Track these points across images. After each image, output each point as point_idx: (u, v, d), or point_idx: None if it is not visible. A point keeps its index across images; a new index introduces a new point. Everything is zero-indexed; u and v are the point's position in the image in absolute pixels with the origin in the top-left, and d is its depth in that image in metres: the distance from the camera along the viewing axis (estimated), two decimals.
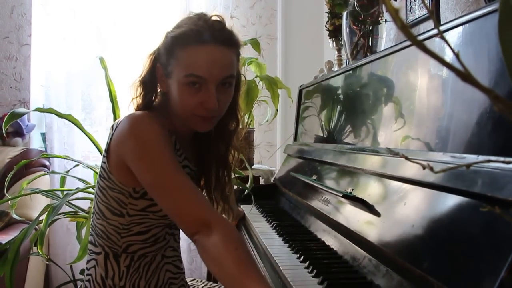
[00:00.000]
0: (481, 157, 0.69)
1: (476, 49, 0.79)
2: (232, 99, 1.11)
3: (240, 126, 1.20)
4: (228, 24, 1.06)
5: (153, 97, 1.13)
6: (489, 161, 0.61)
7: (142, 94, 1.12)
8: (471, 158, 0.72)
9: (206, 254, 0.90)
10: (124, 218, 1.07)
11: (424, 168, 0.45)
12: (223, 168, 1.21)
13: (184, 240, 2.50)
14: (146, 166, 0.98)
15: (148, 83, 1.11)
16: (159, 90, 1.13)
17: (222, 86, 1.03)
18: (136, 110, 1.13)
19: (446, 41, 0.37)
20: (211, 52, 1.00)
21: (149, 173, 0.98)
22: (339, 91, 1.57)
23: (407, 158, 0.49)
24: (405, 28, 0.31)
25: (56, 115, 2.00)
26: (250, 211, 1.69)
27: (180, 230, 1.10)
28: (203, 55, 1.00)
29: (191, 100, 1.02)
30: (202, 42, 1.00)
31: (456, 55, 0.36)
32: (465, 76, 0.35)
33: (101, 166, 1.09)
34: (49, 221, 1.64)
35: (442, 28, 0.87)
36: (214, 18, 1.04)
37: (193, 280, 1.42)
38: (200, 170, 1.22)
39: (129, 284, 1.10)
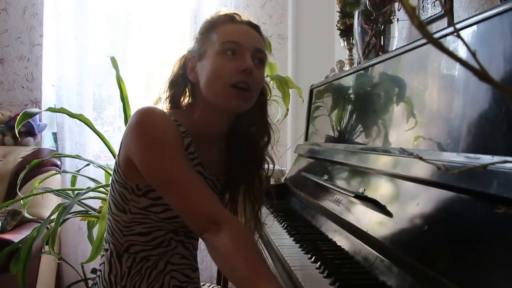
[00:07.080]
0: (497, 158, 0.68)
1: (491, 48, 0.78)
2: (261, 113, 1.14)
3: (272, 139, 1.20)
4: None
5: (183, 95, 1.13)
6: (505, 161, 0.60)
7: (172, 91, 1.13)
8: (486, 158, 0.71)
9: (216, 253, 0.89)
10: (126, 215, 1.05)
11: (439, 168, 0.45)
12: (254, 182, 1.18)
13: None
14: (151, 160, 0.96)
15: (179, 79, 1.12)
16: (187, 91, 1.13)
17: (255, 61, 1.05)
18: (167, 108, 1.13)
19: (462, 40, 0.36)
20: (243, 27, 1.08)
21: (155, 167, 0.95)
22: (350, 91, 1.56)
23: (421, 159, 0.49)
24: (422, 26, 0.30)
25: (68, 114, 2.03)
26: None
27: (199, 239, 1.07)
28: (236, 28, 1.07)
29: (228, 67, 1.01)
30: (234, 22, 1.08)
31: (473, 54, 0.35)
32: (482, 75, 0.34)
33: (115, 160, 1.09)
34: (61, 220, 1.65)
35: (456, 27, 0.86)
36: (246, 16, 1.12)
37: (203, 285, 1.41)
38: (227, 182, 1.18)
39: (129, 285, 1.09)
